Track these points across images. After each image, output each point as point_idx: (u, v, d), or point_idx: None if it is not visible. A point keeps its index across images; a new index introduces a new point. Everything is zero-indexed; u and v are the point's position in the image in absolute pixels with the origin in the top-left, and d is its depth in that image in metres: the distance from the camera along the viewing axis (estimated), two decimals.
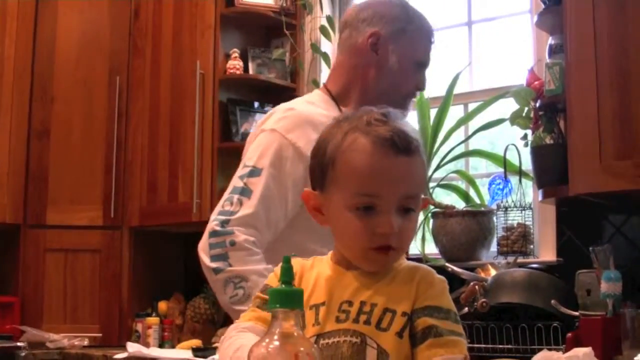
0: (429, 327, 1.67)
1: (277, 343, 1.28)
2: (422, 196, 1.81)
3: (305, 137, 2.57)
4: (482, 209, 4.24)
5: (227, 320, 4.95)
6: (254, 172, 2.60)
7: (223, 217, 2.55)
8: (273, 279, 1.81)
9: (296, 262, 1.80)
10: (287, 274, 1.31)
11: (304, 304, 1.72)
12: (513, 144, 3.99)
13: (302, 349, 1.26)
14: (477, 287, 3.49)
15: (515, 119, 3.85)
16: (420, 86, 2.88)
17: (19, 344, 4.65)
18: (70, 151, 5.29)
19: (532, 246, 4.01)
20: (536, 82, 3.77)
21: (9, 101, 5.19)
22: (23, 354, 4.60)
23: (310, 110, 2.72)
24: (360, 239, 1.71)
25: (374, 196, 1.68)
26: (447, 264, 3.80)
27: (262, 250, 2.55)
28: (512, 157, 4.03)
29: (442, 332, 1.66)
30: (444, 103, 4.35)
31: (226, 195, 2.62)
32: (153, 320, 5.02)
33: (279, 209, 2.61)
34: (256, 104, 5.05)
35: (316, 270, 1.81)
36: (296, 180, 2.59)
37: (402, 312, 1.68)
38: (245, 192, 2.58)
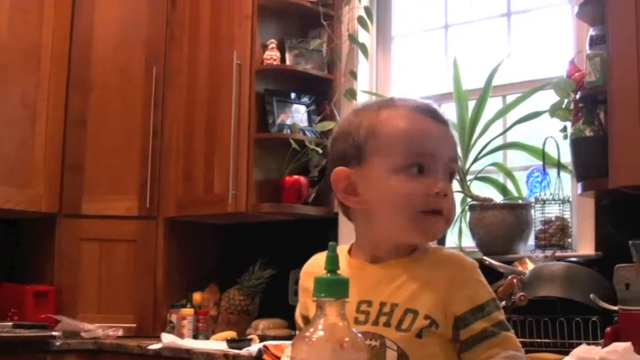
0: (481, 332, 1.65)
1: (321, 333, 1.26)
2: None
3: None
4: (520, 201, 4.20)
5: (261, 312, 4.95)
6: None
7: None
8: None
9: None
10: (332, 263, 1.29)
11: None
12: (552, 137, 3.95)
13: (347, 339, 1.24)
14: (514, 280, 3.47)
15: (555, 111, 3.81)
16: None
17: (53, 333, 4.66)
18: (107, 140, 5.28)
19: (570, 240, 3.96)
20: (577, 74, 3.74)
21: (46, 89, 5.19)
22: (58, 343, 4.61)
23: None
24: (412, 201, 1.67)
25: (425, 155, 1.68)
26: (484, 257, 3.78)
27: None
28: (550, 149, 3.99)
29: (493, 332, 1.65)
30: (483, 95, 4.30)
31: None
32: (188, 311, 5.00)
33: None
34: (293, 95, 5.02)
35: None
36: None
37: (425, 315, 1.64)
38: None
